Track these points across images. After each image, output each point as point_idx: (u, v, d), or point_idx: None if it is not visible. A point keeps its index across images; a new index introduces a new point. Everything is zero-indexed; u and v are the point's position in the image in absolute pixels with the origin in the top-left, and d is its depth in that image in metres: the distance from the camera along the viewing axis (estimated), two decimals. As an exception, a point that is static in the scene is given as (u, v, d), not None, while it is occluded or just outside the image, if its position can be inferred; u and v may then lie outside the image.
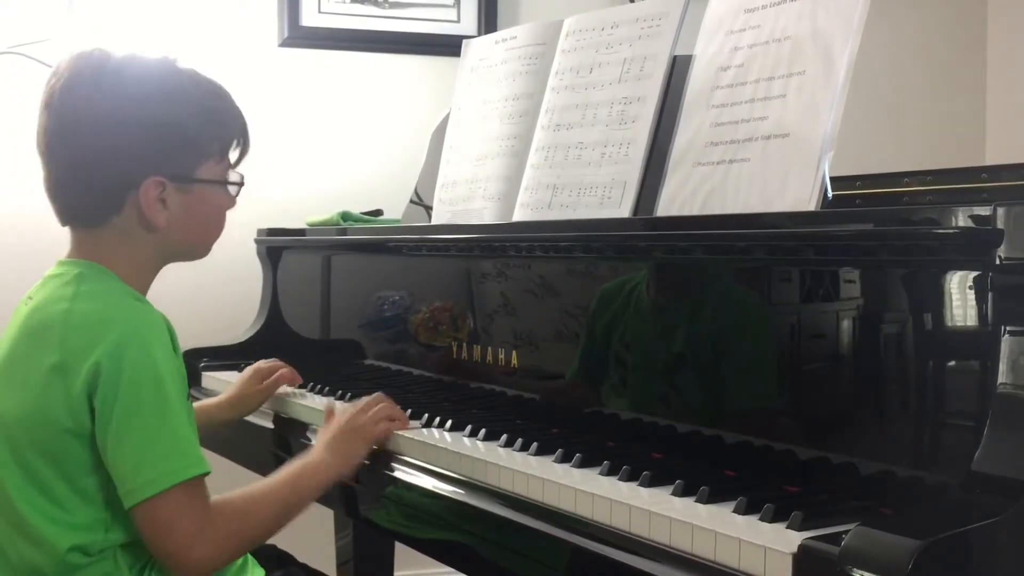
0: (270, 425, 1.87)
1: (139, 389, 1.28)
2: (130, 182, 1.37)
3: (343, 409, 1.61)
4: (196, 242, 1.47)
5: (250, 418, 1.88)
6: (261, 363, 1.89)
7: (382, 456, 1.57)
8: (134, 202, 1.37)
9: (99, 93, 1.36)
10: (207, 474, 1.32)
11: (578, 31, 1.82)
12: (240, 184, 1.49)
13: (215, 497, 1.37)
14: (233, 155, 1.47)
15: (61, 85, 1.37)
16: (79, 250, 1.41)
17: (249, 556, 1.50)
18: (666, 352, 1.43)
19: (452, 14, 3.02)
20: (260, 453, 1.88)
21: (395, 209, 2.34)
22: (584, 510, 1.22)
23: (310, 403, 1.84)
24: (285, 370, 1.88)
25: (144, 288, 1.43)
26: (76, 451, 1.30)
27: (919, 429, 1.14)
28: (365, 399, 1.61)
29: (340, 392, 1.88)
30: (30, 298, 1.40)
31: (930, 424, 1.13)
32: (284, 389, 1.90)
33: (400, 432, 1.58)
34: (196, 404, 1.84)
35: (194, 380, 2.24)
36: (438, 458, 1.49)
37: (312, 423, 1.80)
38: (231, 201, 1.49)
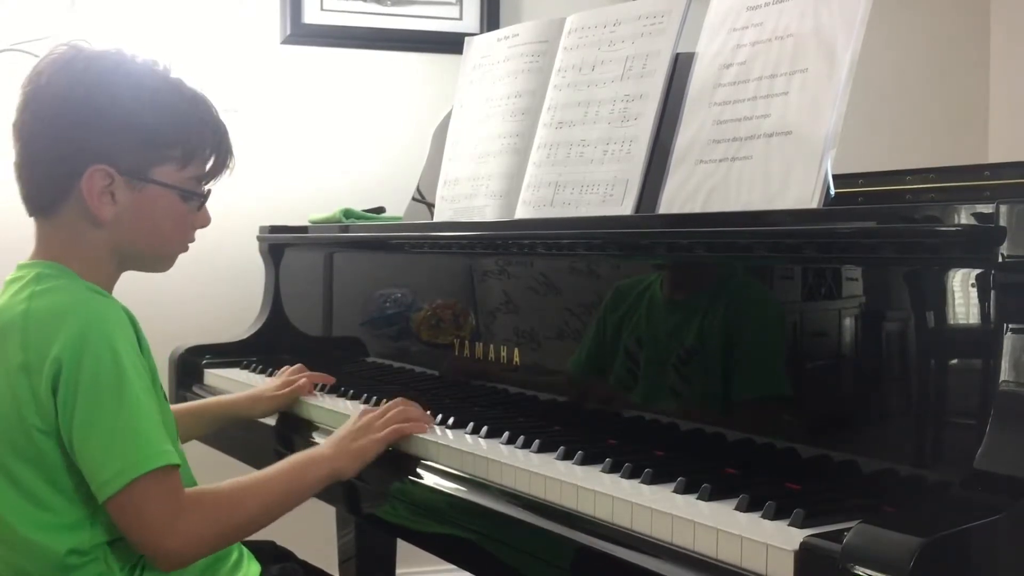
0: (272, 423, 1.87)
1: (98, 382, 1.26)
2: (74, 169, 1.34)
3: (360, 411, 1.60)
4: (149, 247, 1.42)
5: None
6: (288, 369, 1.91)
7: (384, 453, 1.57)
8: (79, 190, 1.34)
9: (61, 78, 1.35)
10: (175, 466, 1.30)
11: (580, 28, 1.82)
12: (199, 196, 1.43)
13: (199, 487, 1.36)
14: (204, 166, 1.43)
15: (34, 72, 1.37)
16: (39, 249, 1.40)
17: (245, 551, 1.50)
18: (667, 350, 1.43)
19: (454, 12, 3.02)
20: (262, 450, 1.88)
21: (397, 206, 2.34)
22: (586, 507, 1.22)
23: (313, 401, 1.85)
24: (303, 381, 1.88)
25: (107, 288, 1.39)
26: (50, 450, 1.29)
27: (921, 427, 1.14)
28: (387, 404, 1.61)
29: (343, 389, 1.88)
30: None
31: (932, 422, 1.13)
32: None
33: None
34: (219, 398, 1.86)
35: (197, 377, 2.25)
36: (440, 455, 1.49)
37: (315, 421, 1.81)
38: (201, 217, 1.45)
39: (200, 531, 1.31)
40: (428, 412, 1.64)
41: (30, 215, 1.41)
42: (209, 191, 1.46)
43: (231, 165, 1.47)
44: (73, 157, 1.34)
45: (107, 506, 1.28)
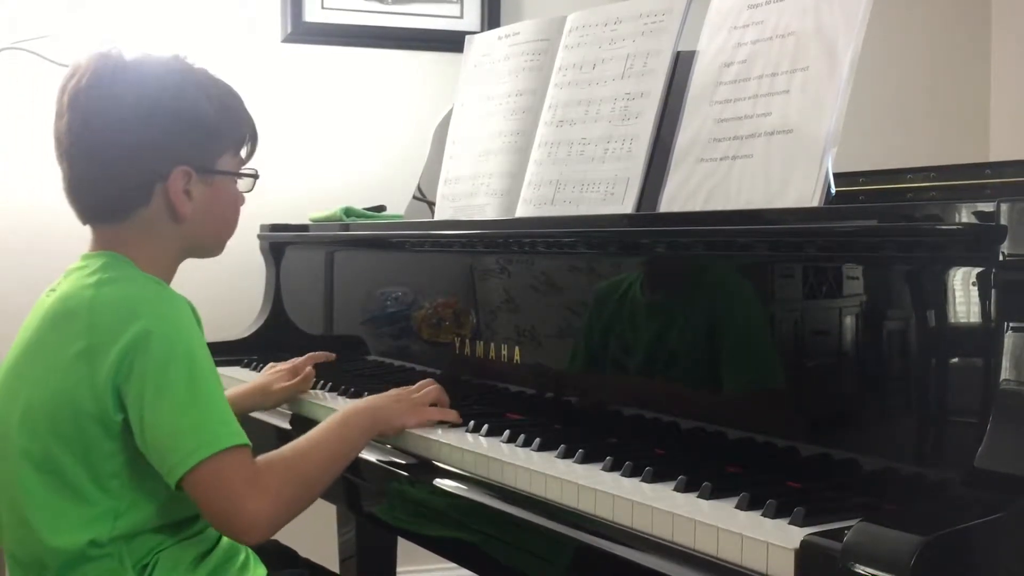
0: (275, 422, 1.87)
1: (168, 367, 1.29)
2: (159, 173, 1.39)
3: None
4: (215, 236, 1.49)
5: (260, 416, 1.88)
6: (302, 360, 1.91)
7: (384, 451, 1.57)
8: (163, 193, 1.39)
9: (123, 88, 1.38)
10: (248, 445, 1.32)
11: (581, 27, 1.82)
12: (256, 177, 1.51)
13: (264, 455, 1.38)
14: (245, 151, 1.50)
15: (85, 84, 1.38)
16: (101, 244, 1.42)
17: (251, 553, 1.50)
18: (669, 348, 1.43)
19: (455, 10, 3.02)
20: (265, 449, 1.88)
21: (398, 205, 2.34)
22: (587, 506, 1.22)
23: (317, 401, 1.85)
24: (309, 370, 1.88)
25: (166, 279, 1.44)
26: (97, 437, 1.31)
27: (922, 425, 1.14)
28: (425, 381, 1.66)
29: (343, 387, 1.88)
30: (52, 290, 1.41)
31: (933, 420, 1.13)
32: None
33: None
34: (229, 397, 1.86)
35: (197, 375, 2.24)
36: (441, 454, 1.49)
37: (320, 420, 1.80)
38: (242, 197, 1.51)
39: (277, 489, 1.33)
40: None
41: (87, 223, 1.43)
42: (256, 170, 1.52)
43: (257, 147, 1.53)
44: (154, 161, 1.39)
45: (183, 484, 1.29)
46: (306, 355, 1.93)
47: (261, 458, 1.36)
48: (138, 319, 1.30)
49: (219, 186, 1.45)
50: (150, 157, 1.38)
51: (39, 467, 1.33)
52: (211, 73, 1.48)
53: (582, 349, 1.57)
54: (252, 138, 1.51)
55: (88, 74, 1.38)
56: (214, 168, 1.44)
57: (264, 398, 1.85)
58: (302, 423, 1.83)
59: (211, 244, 1.50)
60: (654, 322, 1.46)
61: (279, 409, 1.89)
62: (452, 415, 1.60)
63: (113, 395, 1.30)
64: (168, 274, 1.45)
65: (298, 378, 1.87)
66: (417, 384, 1.65)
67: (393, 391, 1.62)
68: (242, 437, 1.32)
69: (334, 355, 1.95)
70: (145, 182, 1.39)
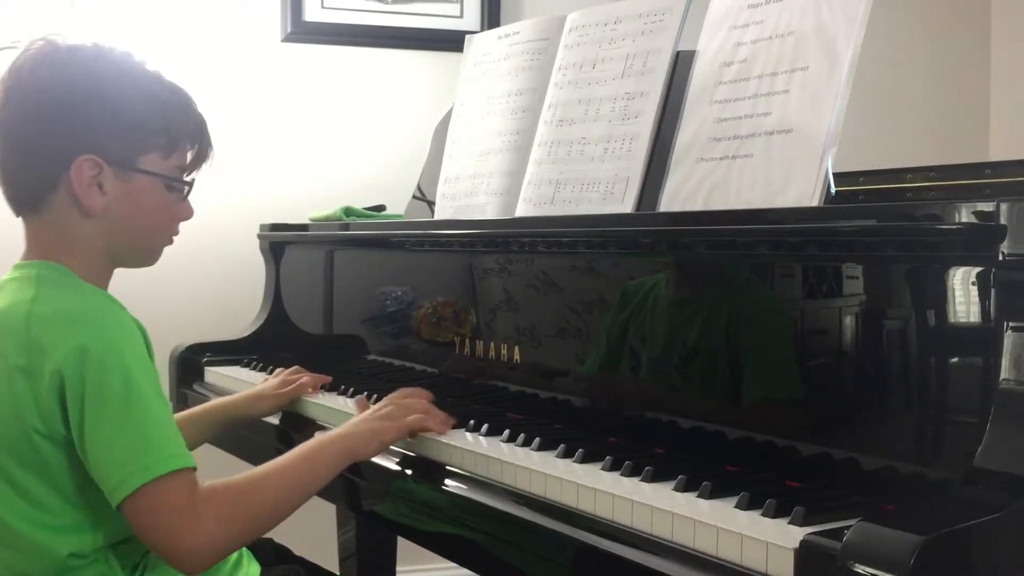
0: (275, 421, 1.87)
1: (104, 387, 1.24)
2: (62, 161, 1.32)
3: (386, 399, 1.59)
4: (137, 240, 1.40)
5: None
6: (288, 371, 1.90)
7: (383, 450, 1.57)
8: (67, 182, 1.33)
9: (43, 70, 1.34)
10: (191, 468, 1.27)
11: (581, 26, 1.82)
12: (186, 184, 1.42)
13: (212, 482, 1.32)
14: (186, 156, 1.42)
15: (12, 68, 1.35)
16: (33, 248, 1.38)
17: (245, 551, 1.49)
18: (668, 348, 1.43)
19: (455, 9, 3.02)
20: (264, 448, 1.88)
21: (398, 204, 2.34)
22: (586, 505, 1.22)
23: (314, 399, 1.85)
24: (306, 379, 1.87)
25: (102, 285, 1.38)
26: (49, 453, 1.28)
27: (921, 425, 1.14)
28: (407, 389, 1.60)
29: (343, 387, 1.88)
30: None
31: (932, 420, 1.13)
32: None
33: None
34: (219, 400, 1.84)
35: (197, 375, 2.25)
36: (440, 453, 1.49)
37: (316, 419, 1.81)
38: (184, 208, 1.43)
39: (215, 526, 1.27)
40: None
41: (17, 214, 1.39)
42: (193, 180, 1.44)
43: (211, 157, 1.45)
44: (60, 148, 1.32)
45: (121, 511, 1.25)
46: (299, 370, 1.91)
47: (210, 484, 1.30)
48: (74, 336, 1.26)
49: (139, 185, 1.36)
50: (53, 141, 1.32)
51: (4, 483, 1.30)
52: (163, 75, 1.41)
53: (583, 349, 1.57)
54: (197, 146, 1.42)
55: (20, 56, 1.35)
56: (134, 165, 1.35)
57: (258, 402, 1.83)
58: (298, 421, 1.84)
59: (138, 249, 1.41)
60: (652, 322, 1.46)
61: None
62: (439, 429, 1.53)
63: (60, 411, 1.26)
64: (102, 274, 1.38)
65: (289, 388, 1.84)
66: (402, 392, 1.60)
67: (380, 407, 1.55)
68: (183, 460, 1.26)
69: (329, 379, 1.92)
70: (49, 169, 1.33)
